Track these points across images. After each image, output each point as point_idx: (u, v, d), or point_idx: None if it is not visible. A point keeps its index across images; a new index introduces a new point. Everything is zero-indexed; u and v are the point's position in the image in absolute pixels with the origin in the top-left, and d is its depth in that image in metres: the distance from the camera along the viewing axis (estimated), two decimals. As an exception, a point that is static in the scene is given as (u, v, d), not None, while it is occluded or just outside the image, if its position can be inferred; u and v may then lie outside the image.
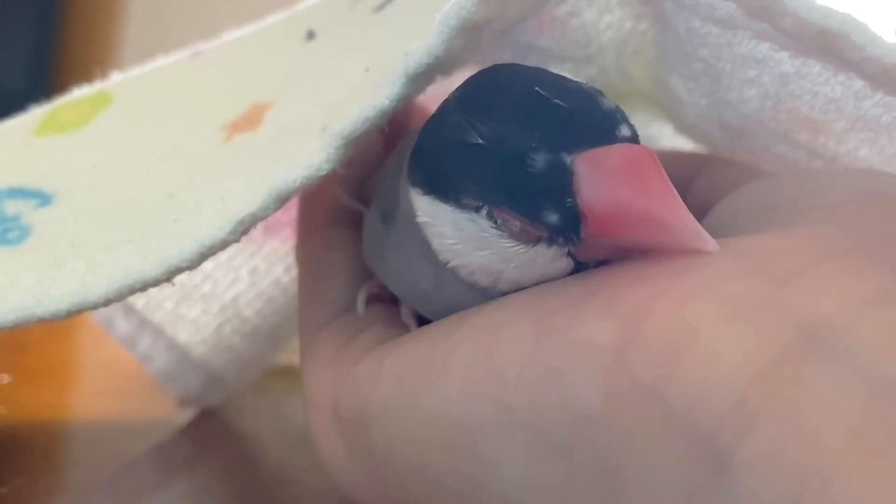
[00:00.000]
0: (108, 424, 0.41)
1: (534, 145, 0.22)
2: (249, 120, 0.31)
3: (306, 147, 0.27)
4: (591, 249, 0.23)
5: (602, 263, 0.23)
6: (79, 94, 0.37)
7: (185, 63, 0.37)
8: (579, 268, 0.24)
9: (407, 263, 0.27)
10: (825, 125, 0.29)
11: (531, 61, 0.35)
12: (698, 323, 0.19)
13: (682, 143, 0.40)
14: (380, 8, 0.32)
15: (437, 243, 0.25)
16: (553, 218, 0.22)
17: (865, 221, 0.22)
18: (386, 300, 0.30)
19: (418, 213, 0.25)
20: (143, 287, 0.27)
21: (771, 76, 0.28)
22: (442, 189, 0.24)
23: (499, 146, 0.22)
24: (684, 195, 0.33)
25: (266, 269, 0.42)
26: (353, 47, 0.31)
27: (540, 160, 0.22)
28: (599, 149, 0.22)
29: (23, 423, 0.38)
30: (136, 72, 0.37)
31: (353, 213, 0.32)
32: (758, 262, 0.21)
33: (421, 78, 0.26)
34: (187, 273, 0.36)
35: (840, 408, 0.17)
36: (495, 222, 0.23)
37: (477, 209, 0.23)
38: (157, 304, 0.42)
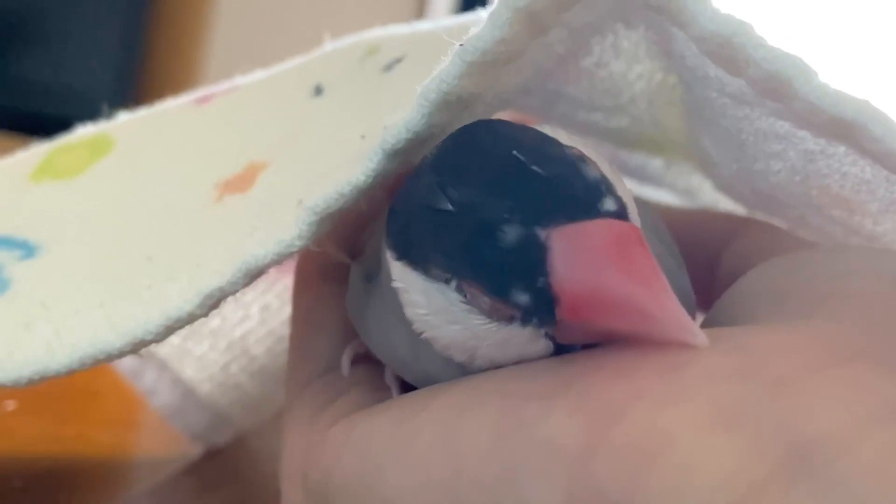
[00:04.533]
0: (109, 459, 0.41)
1: (506, 216, 0.21)
2: (243, 180, 0.30)
3: (282, 220, 0.26)
4: (570, 332, 0.22)
5: (592, 345, 0.22)
6: (82, 133, 0.37)
7: (191, 109, 0.37)
8: (563, 349, 0.22)
9: (385, 328, 0.26)
10: (859, 205, 0.28)
11: (560, 109, 0.34)
12: (676, 431, 0.18)
13: (723, 200, 0.38)
14: (388, 68, 0.31)
15: (409, 312, 0.24)
16: (523, 298, 0.21)
17: (886, 317, 0.21)
18: (372, 361, 0.30)
19: (393, 278, 0.24)
20: (108, 358, 0.27)
21: (796, 152, 0.27)
22: (412, 256, 0.23)
23: (468, 215, 0.21)
24: (718, 259, 0.32)
25: (278, 306, 0.42)
26: (355, 109, 0.31)
27: (511, 233, 0.20)
28: (578, 224, 0.20)
29: (20, 455, 0.38)
30: (141, 113, 0.37)
31: (348, 268, 0.31)
32: (753, 363, 0.19)
33: (400, 154, 0.25)
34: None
35: None
36: (465, 296, 0.22)
37: (446, 281, 0.22)
38: (164, 338, 0.42)
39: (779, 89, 0.23)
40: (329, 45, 0.37)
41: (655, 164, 0.39)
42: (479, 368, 0.23)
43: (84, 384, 0.41)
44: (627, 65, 0.32)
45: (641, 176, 0.40)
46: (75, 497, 0.39)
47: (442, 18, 0.28)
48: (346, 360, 0.30)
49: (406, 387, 0.27)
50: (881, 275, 0.23)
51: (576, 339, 0.22)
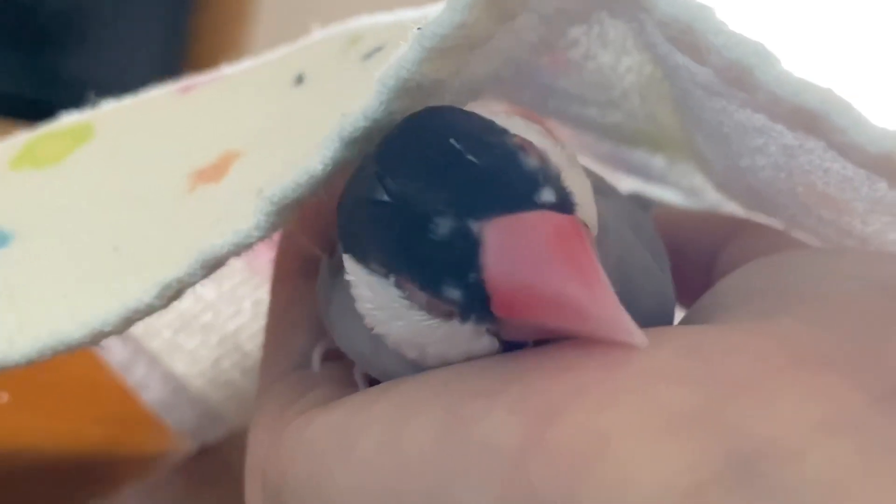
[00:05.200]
0: (100, 454, 0.41)
1: (439, 208, 0.20)
2: (217, 169, 0.30)
3: (242, 210, 0.26)
4: (513, 329, 0.21)
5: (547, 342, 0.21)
6: (65, 122, 0.37)
7: (174, 98, 0.37)
8: (514, 346, 0.22)
9: (347, 323, 0.25)
10: (845, 204, 0.27)
11: (553, 103, 0.34)
12: (613, 433, 0.17)
13: (726, 201, 0.37)
14: (368, 56, 0.31)
15: (359, 307, 0.23)
16: (455, 294, 0.20)
17: (860, 322, 0.20)
18: (344, 358, 0.29)
19: (346, 271, 0.23)
20: (68, 348, 0.27)
21: (777, 147, 0.26)
22: (355, 249, 0.22)
23: (403, 206, 0.20)
24: (715, 260, 0.31)
25: (270, 302, 0.41)
26: (334, 99, 0.30)
27: (443, 226, 0.20)
28: (512, 216, 0.20)
29: (10, 449, 0.38)
30: (125, 102, 0.37)
31: None
32: (706, 364, 0.18)
33: (359, 142, 0.24)
34: (187, 300, 0.36)
35: None
36: (403, 292, 0.21)
37: (385, 275, 0.21)
38: (155, 331, 0.42)
39: (741, 78, 0.22)
40: (317, 34, 0.36)
41: (657, 162, 0.38)
42: (432, 366, 0.23)
43: (76, 378, 0.41)
44: (616, 57, 0.32)
45: (645, 174, 0.39)
46: (65, 492, 0.39)
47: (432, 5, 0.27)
48: (316, 356, 0.29)
49: (375, 384, 0.26)
50: (861, 279, 0.22)
51: (521, 336, 0.21)
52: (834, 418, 0.17)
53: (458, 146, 0.20)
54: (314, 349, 0.29)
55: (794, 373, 0.18)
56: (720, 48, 0.21)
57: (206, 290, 0.41)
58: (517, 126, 0.22)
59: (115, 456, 0.41)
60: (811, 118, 0.21)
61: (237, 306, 0.41)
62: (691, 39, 0.22)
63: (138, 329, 0.42)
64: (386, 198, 0.21)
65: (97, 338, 0.27)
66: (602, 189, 0.29)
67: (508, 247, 0.19)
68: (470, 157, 0.20)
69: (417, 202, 0.20)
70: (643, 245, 0.27)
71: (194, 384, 0.42)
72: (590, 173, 0.30)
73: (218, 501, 0.39)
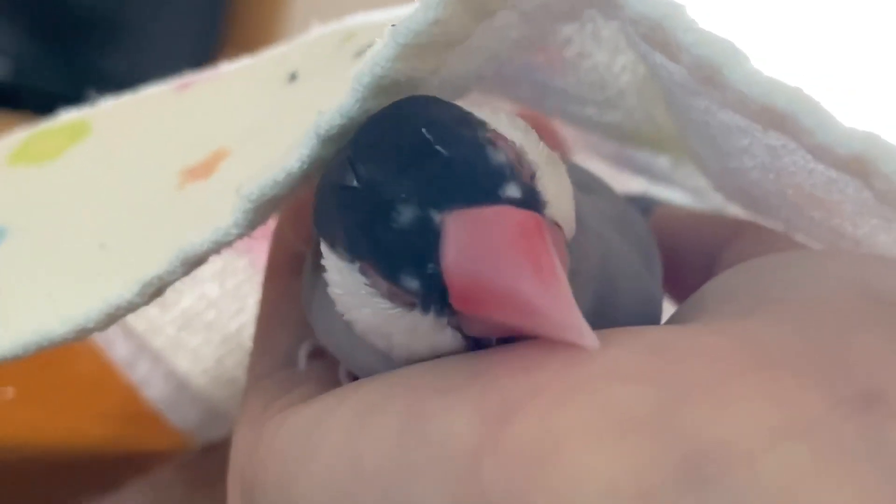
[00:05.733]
0: (102, 452, 0.41)
1: (402, 196, 0.20)
2: (206, 167, 0.30)
3: (223, 208, 0.26)
4: (475, 325, 0.21)
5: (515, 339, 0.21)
6: (63, 118, 0.37)
7: (170, 95, 0.37)
8: (480, 343, 0.21)
9: (327, 316, 0.25)
10: (834, 206, 0.26)
11: (551, 103, 0.33)
12: (567, 434, 0.17)
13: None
14: (360, 54, 0.31)
15: (330, 291, 0.23)
16: (413, 284, 0.20)
17: (830, 324, 0.19)
18: (331, 357, 0.29)
19: (323, 257, 0.23)
20: (51, 344, 0.27)
21: (761, 148, 0.25)
22: (325, 233, 0.22)
23: (369, 193, 0.21)
24: (715, 262, 0.31)
25: (274, 300, 0.41)
26: (324, 95, 0.30)
27: (406, 214, 0.20)
28: (473, 209, 0.20)
29: (12, 445, 0.39)
30: (122, 99, 0.37)
31: None
32: (665, 365, 0.18)
33: (335, 139, 0.24)
34: (190, 298, 0.36)
35: None
36: (368, 278, 0.21)
37: (351, 261, 0.21)
38: (158, 328, 0.42)
39: (711, 77, 0.21)
40: (315, 31, 0.36)
41: (662, 162, 0.37)
42: (400, 359, 0.23)
43: (81, 375, 0.41)
44: (610, 56, 0.31)
45: (651, 174, 0.39)
46: (67, 489, 0.39)
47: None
48: (302, 354, 0.29)
49: None
50: (841, 281, 0.21)
51: (483, 332, 0.21)
52: (790, 422, 0.17)
53: (428, 136, 0.20)
54: (301, 347, 0.29)
55: (753, 375, 0.18)
56: (689, 46, 0.21)
57: (209, 288, 0.41)
58: (500, 121, 0.22)
59: (117, 453, 0.41)
60: (780, 118, 0.21)
61: (240, 304, 0.42)
62: (662, 37, 0.22)
63: (142, 326, 0.42)
64: (355, 183, 0.21)
65: (80, 334, 0.27)
66: (592, 188, 0.29)
67: (466, 239, 0.19)
68: (438, 148, 0.20)
69: (383, 189, 0.20)
70: (631, 245, 0.27)
71: (197, 382, 0.42)
72: (582, 172, 0.30)
73: (221, 500, 0.39)
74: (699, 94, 0.25)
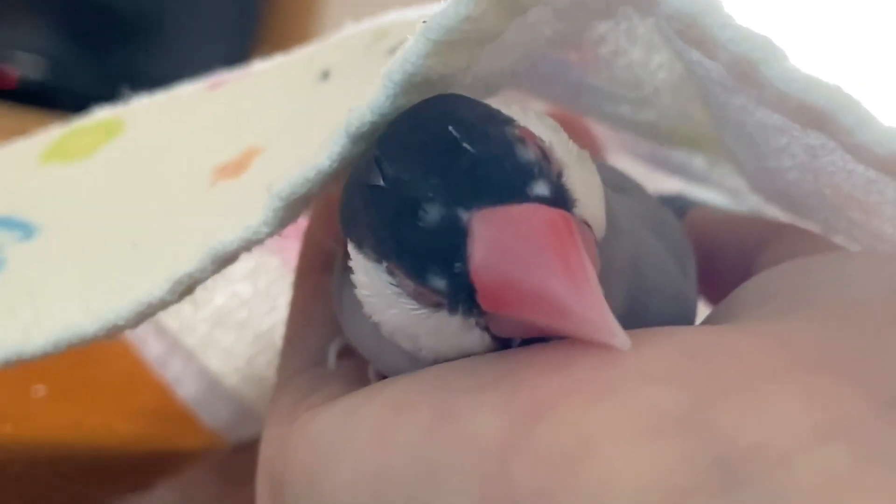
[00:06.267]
0: (133, 450, 0.41)
1: (429, 195, 0.20)
2: (238, 165, 0.30)
3: (253, 206, 0.26)
4: (503, 325, 0.21)
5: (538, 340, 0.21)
6: (97, 116, 0.37)
7: (202, 94, 0.37)
8: (507, 343, 0.21)
9: (355, 316, 0.25)
10: (872, 207, 0.26)
11: (585, 101, 0.33)
12: (599, 434, 0.17)
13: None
14: (392, 51, 0.31)
15: (358, 293, 0.23)
16: (440, 283, 0.20)
17: (869, 326, 0.19)
18: (360, 355, 0.29)
19: (350, 258, 0.23)
20: (82, 342, 0.27)
21: (800, 147, 0.25)
22: (353, 233, 0.22)
23: (396, 191, 0.20)
24: (752, 264, 0.31)
25: (305, 299, 0.41)
26: (356, 93, 0.30)
27: (432, 213, 0.20)
28: (501, 207, 0.19)
29: (44, 442, 0.39)
30: (156, 97, 0.37)
31: None
32: (700, 365, 0.18)
33: (366, 137, 0.24)
34: (222, 297, 0.36)
35: None
36: (394, 279, 0.21)
37: (378, 261, 0.21)
38: (191, 326, 0.42)
39: (748, 73, 0.21)
40: (347, 30, 0.36)
41: (698, 162, 0.37)
42: (428, 360, 0.23)
43: (113, 372, 0.41)
44: (646, 53, 0.31)
45: (687, 174, 0.39)
46: (99, 487, 0.39)
47: None
48: (332, 353, 0.29)
49: None
50: (879, 283, 0.21)
51: (511, 332, 0.21)
52: (829, 423, 0.16)
53: (455, 133, 0.20)
54: (330, 345, 0.29)
55: (791, 376, 0.17)
56: (726, 42, 0.21)
57: (242, 287, 0.41)
58: (529, 119, 0.22)
59: (149, 452, 0.41)
60: (818, 117, 0.21)
61: (272, 303, 0.42)
62: (698, 34, 0.21)
63: (174, 324, 0.42)
64: (381, 182, 0.21)
65: (111, 332, 0.27)
66: (624, 187, 0.29)
67: (494, 238, 0.19)
68: (465, 146, 0.20)
69: (410, 188, 0.20)
70: (665, 246, 0.27)
71: (229, 381, 0.42)
72: (614, 172, 0.30)
73: (251, 499, 0.39)
74: (736, 92, 0.24)
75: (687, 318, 0.27)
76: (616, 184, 0.28)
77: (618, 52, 0.31)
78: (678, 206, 0.36)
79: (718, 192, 0.39)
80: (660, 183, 0.41)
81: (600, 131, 0.39)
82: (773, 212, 0.36)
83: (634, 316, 0.23)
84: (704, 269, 0.31)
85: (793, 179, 0.28)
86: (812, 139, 0.24)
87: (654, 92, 0.32)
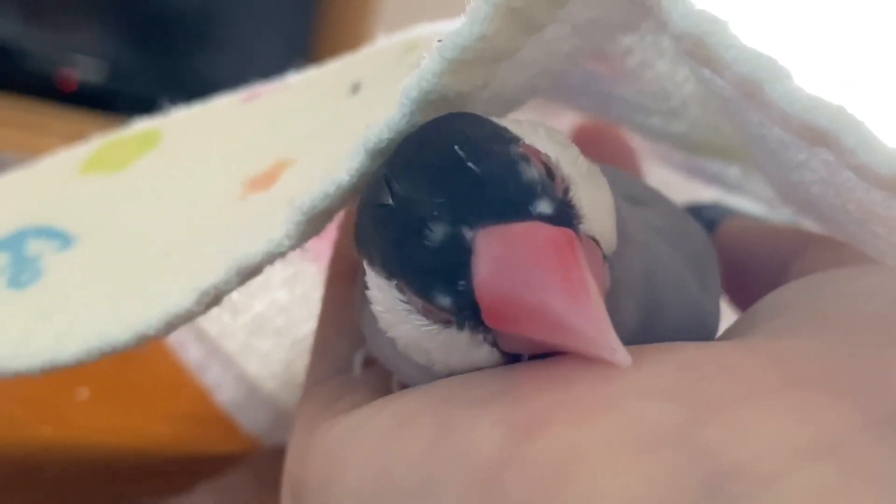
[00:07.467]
0: (170, 452, 0.42)
1: (435, 213, 0.20)
2: (268, 178, 0.31)
3: (277, 219, 0.26)
4: (509, 340, 0.21)
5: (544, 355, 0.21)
6: (135, 128, 0.38)
7: (238, 106, 0.38)
8: (515, 358, 0.22)
9: (374, 329, 0.26)
10: (894, 223, 0.26)
11: (615, 112, 0.33)
12: (588, 448, 0.17)
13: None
14: (415, 66, 0.31)
15: (373, 309, 0.24)
16: (446, 301, 0.21)
17: (871, 342, 0.19)
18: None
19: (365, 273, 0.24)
20: (114, 350, 0.28)
21: (818, 162, 0.25)
22: (365, 250, 0.23)
23: (403, 210, 0.21)
24: (784, 275, 0.31)
25: (343, 306, 0.42)
26: (382, 106, 0.31)
27: (437, 232, 0.20)
28: (504, 225, 0.20)
29: (83, 444, 0.40)
30: (193, 109, 0.38)
31: None
32: (695, 382, 0.18)
33: (384, 153, 0.25)
34: (261, 304, 0.37)
35: None
36: (404, 296, 0.22)
37: (388, 278, 0.22)
38: (230, 332, 0.43)
39: (754, 94, 0.21)
40: (380, 42, 0.37)
41: (733, 172, 0.37)
42: (441, 374, 0.23)
43: (154, 376, 0.42)
44: (672, 66, 0.31)
45: (723, 183, 0.39)
46: (138, 488, 0.40)
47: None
48: (357, 361, 0.30)
49: None
50: (889, 299, 0.21)
51: (518, 347, 0.21)
52: (819, 441, 0.16)
53: (460, 153, 0.21)
54: (356, 354, 0.30)
55: (781, 394, 0.18)
56: (731, 62, 0.21)
57: (280, 294, 0.42)
58: (538, 136, 0.22)
59: (188, 455, 0.42)
60: (822, 137, 0.21)
61: (309, 310, 0.42)
62: (705, 53, 0.22)
63: (214, 329, 0.43)
64: (390, 201, 0.21)
65: (142, 340, 0.28)
66: (643, 199, 0.29)
67: (497, 256, 0.20)
68: (470, 164, 0.21)
69: (416, 207, 0.21)
70: (684, 258, 0.27)
71: (267, 386, 0.43)
72: (635, 184, 0.30)
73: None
74: (751, 109, 0.24)
75: (705, 331, 0.27)
76: (635, 195, 0.28)
77: (645, 64, 0.31)
78: (714, 214, 0.36)
79: (755, 201, 0.39)
80: (698, 192, 0.41)
81: (635, 141, 0.39)
82: (809, 223, 0.36)
83: (649, 329, 0.23)
84: (739, 278, 0.31)
85: (816, 193, 0.28)
86: (826, 155, 0.24)
87: (682, 104, 0.33)
